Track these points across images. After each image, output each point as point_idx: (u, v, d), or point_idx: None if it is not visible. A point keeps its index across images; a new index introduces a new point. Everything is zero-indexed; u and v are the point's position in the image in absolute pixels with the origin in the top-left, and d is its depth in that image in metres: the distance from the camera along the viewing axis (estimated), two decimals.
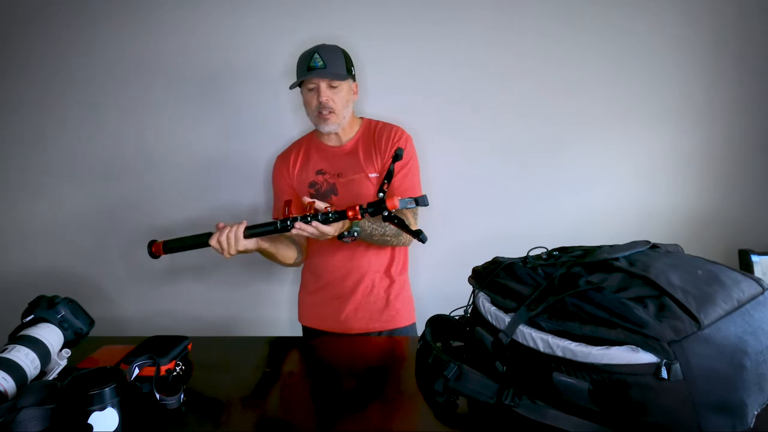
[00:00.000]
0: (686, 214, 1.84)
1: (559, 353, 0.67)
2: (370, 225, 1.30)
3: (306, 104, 1.39)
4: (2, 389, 0.77)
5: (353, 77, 1.41)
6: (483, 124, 1.82)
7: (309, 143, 1.50)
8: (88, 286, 1.92)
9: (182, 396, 0.85)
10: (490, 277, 0.85)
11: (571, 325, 0.67)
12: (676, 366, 0.59)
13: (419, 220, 1.44)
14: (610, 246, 0.80)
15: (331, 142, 1.46)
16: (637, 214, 1.84)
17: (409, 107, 1.73)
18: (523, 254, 0.85)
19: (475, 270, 0.92)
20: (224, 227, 1.20)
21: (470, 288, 0.92)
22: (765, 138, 1.81)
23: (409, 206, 1.08)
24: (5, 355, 0.82)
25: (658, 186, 1.84)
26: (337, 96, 1.35)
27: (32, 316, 0.95)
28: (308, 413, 0.87)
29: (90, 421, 0.71)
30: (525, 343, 0.71)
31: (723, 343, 0.61)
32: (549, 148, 1.82)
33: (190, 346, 1.03)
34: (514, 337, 0.73)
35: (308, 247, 1.51)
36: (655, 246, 0.84)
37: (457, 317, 0.97)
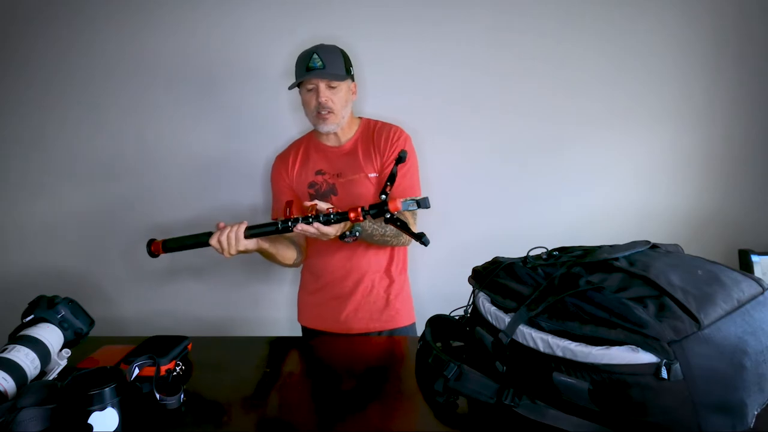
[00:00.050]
0: (686, 214, 1.84)
1: (559, 353, 0.67)
2: (371, 225, 1.30)
3: (305, 104, 1.39)
4: (2, 389, 0.77)
5: (352, 77, 1.41)
6: (483, 124, 1.82)
7: (308, 143, 1.50)
8: (88, 286, 1.92)
9: (182, 396, 0.85)
10: (490, 277, 0.85)
11: (571, 325, 0.67)
12: (676, 366, 0.59)
13: (418, 220, 1.44)
14: (610, 246, 0.80)
15: (330, 142, 1.46)
16: (637, 214, 1.84)
17: (409, 107, 1.73)
18: (523, 254, 0.85)
19: (475, 270, 0.92)
20: (225, 227, 1.20)
21: (470, 288, 0.92)
22: (765, 138, 1.81)
23: (411, 208, 1.08)
24: (5, 355, 0.82)
25: (658, 186, 1.84)
26: (336, 96, 1.35)
27: (32, 316, 0.95)
28: (308, 413, 0.87)
29: (90, 421, 0.71)
30: (525, 343, 0.71)
31: (723, 343, 0.61)
32: (549, 148, 1.82)
33: (190, 346, 1.03)
34: (514, 337, 0.73)
35: (307, 248, 1.51)
36: (655, 246, 0.84)
37: (457, 317, 0.97)
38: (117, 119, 1.87)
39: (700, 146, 1.82)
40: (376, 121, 1.48)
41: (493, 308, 0.79)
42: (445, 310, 0.99)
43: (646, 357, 0.60)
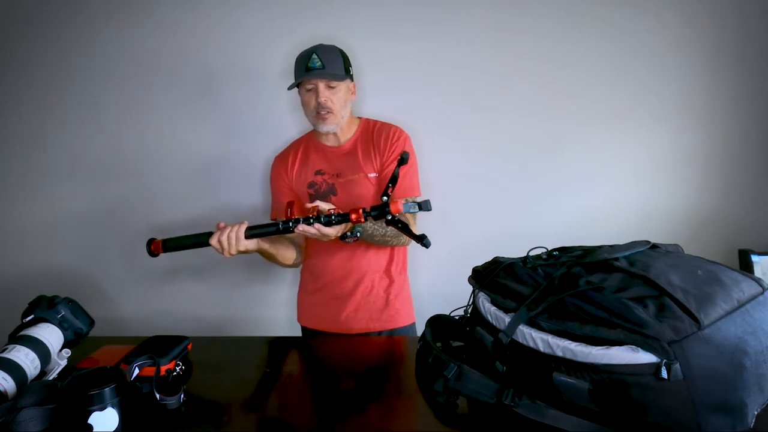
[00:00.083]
0: (686, 214, 1.84)
1: (559, 353, 0.67)
2: (371, 225, 1.30)
3: (304, 105, 1.39)
4: (2, 389, 0.77)
5: (351, 77, 1.41)
6: (483, 124, 1.82)
7: (307, 143, 1.50)
8: (88, 286, 1.92)
9: (182, 396, 0.85)
10: (490, 277, 0.85)
11: (571, 325, 0.67)
12: (676, 366, 0.59)
13: (418, 220, 1.44)
14: (610, 246, 0.80)
15: (330, 142, 1.46)
16: (637, 214, 1.84)
17: (409, 107, 1.73)
18: (523, 254, 0.85)
19: (475, 270, 0.92)
20: (225, 227, 1.20)
21: (470, 288, 0.92)
22: (765, 138, 1.81)
23: (412, 211, 1.08)
24: (5, 355, 0.82)
25: (658, 186, 1.84)
26: (335, 96, 1.35)
27: (32, 316, 0.95)
28: (308, 413, 0.87)
29: (90, 421, 0.71)
30: (525, 343, 0.71)
31: (723, 343, 0.61)
32: (549, 148, 1.82)
33: (190, 346, 1.03)
34: (514, 337, 0.73)
35: (307, 248, 1.51)
36: (655, 246, 0.84)
37: (457, 317, 0.97)
38: (117, 119, 1.87)
39: (700, 146, 1.82)
40: (376, 121, 1.48)
41: (493, 308, 0.79)
42: (445, 310, 0.99)
43: (646, 357, 0.60)
